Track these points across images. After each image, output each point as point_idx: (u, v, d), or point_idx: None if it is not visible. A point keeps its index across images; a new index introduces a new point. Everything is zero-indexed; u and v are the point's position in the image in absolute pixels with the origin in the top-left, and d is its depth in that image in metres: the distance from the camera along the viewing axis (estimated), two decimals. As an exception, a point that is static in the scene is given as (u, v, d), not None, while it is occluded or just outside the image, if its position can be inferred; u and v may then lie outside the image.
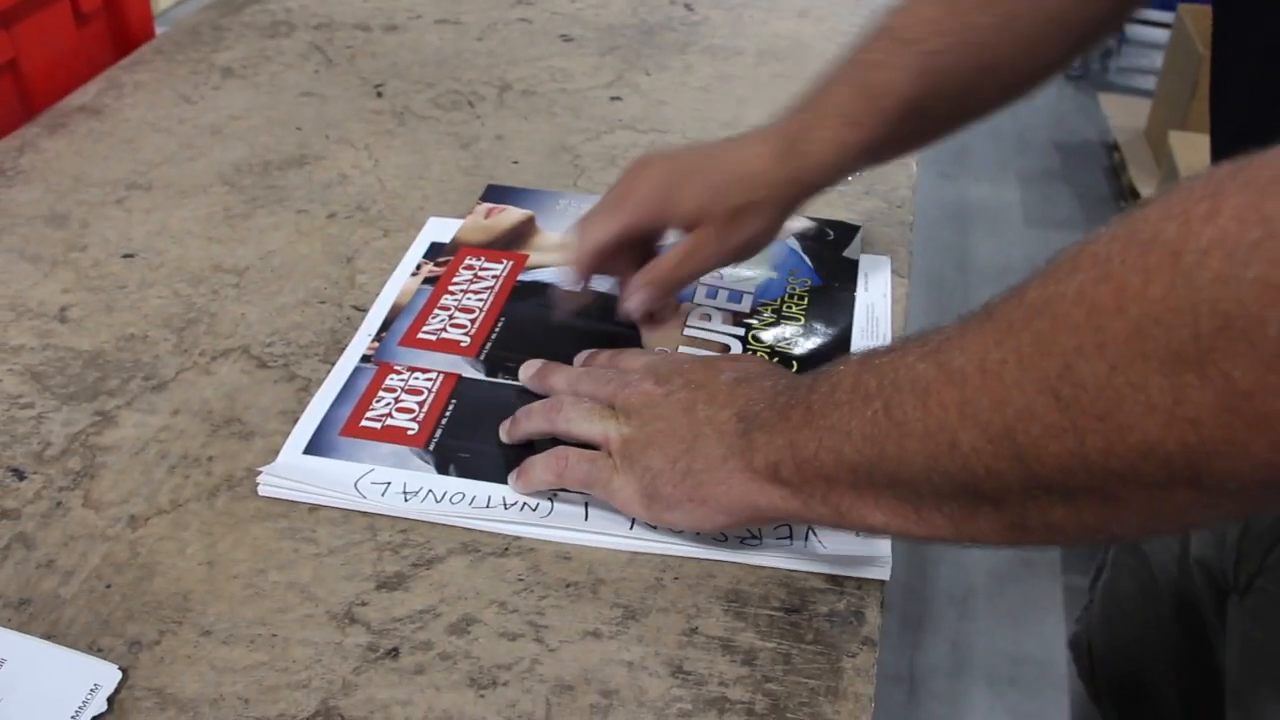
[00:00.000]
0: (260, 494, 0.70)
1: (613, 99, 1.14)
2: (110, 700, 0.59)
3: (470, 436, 0.72)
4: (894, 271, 0.89)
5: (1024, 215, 2.90)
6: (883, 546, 0.64)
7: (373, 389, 0.76)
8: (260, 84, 1.18)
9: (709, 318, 0.82)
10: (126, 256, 0.91)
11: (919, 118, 0.75)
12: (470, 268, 0.87)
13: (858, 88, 0.75)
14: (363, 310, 0.84)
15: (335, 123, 1.10)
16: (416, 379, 0.77)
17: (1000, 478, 0.45)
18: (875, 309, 0.84)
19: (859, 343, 0.81)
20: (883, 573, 0.64)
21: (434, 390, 0.76)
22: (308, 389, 0.77)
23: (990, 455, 0.44)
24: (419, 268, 0.88)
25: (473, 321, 0.81)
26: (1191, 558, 0.84)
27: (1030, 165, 3.12)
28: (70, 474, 0.72)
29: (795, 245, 0.90)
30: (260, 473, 0.70)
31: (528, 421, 0.69)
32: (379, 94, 1.15)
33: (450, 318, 0.82)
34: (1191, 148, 2.11)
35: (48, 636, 0.62)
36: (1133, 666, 0.97)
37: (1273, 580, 0.74)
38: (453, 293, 0.84)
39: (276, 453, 0.72)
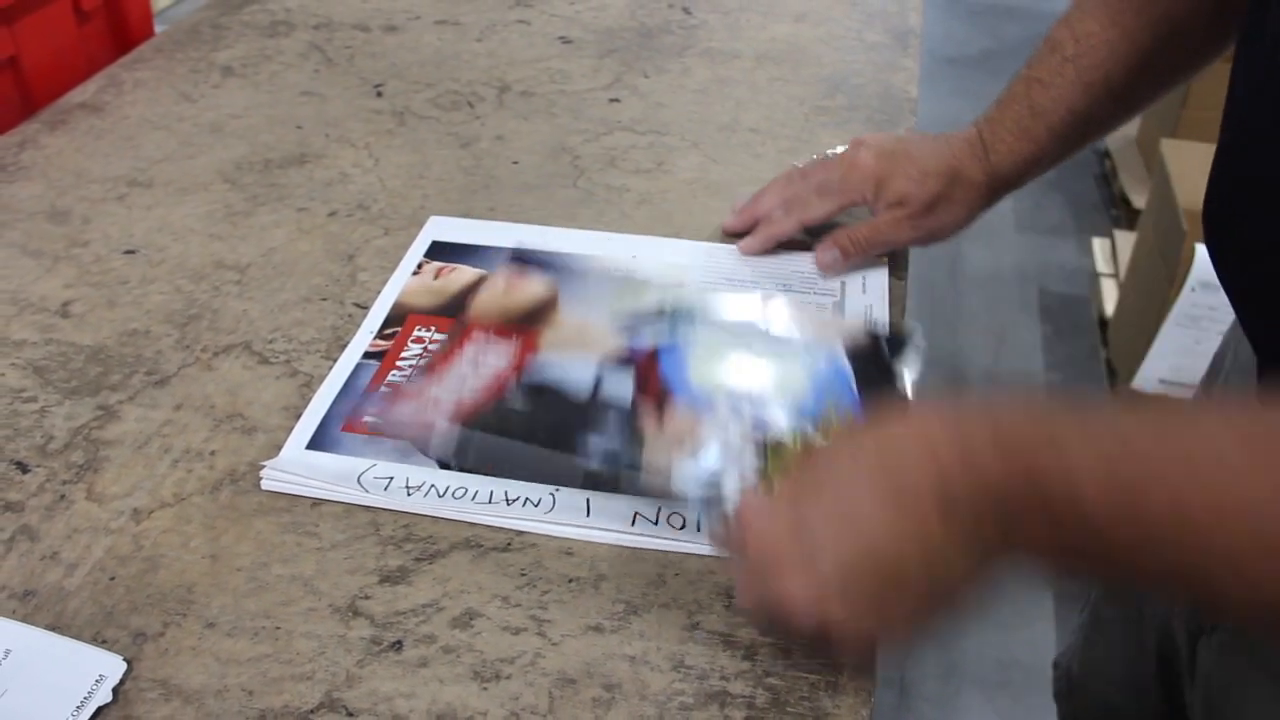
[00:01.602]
0: (264, 488, 0.70)
1: (611, 101, 1.14)
2: (115, 691, 0.59)
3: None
4: (892, 276, 0.89)
5: (1015, 222, 2.92)
6: None
7: (375, 385, 0.77)
8: (260, 83, 1.18)
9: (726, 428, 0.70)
10: (128, 253, 0.92)
11: (1084, 124, 0.84)
12: (420, 339, 0.80)
13: (1028, 107, 0.84)
14: (364, 307, 0.85)
15: (335, 122, 1.10)
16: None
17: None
18: (874, 310, 0.85)
19: None
20: None
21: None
22: (310, 385, 0.78)
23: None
24: (420, 267, 0.88)
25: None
26: (1177, 612, 0.82)
27: (1022, 172, 3.14)
28: (73, 467, 0.72)
29: (844, 362, 0.76)
30: (264, 467, 0.71)
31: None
32: (379, 94, 1.16)
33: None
34: (1183, 155, 2.12)
35: (52, 628, 0.62)
36: (1109, 694, 0.96)
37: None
38: (400, 369, 0.78)
39: (279, 448, 0.73)
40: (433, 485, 0.69)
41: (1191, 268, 1.89)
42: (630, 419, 0.71)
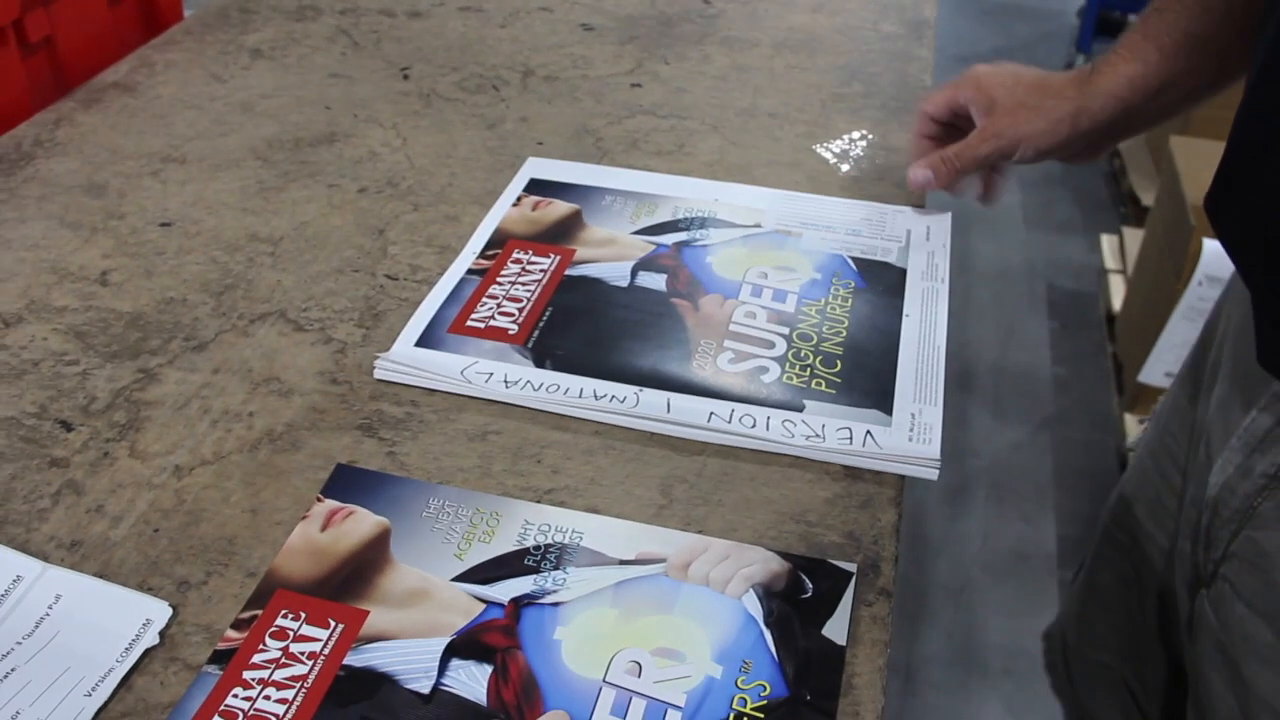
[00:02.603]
0: (376, 378, 0.78)
1: (633, 86, 1.17)
2: (161, 634, 0.62)
3: (565, 336, 0.80)
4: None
5: (1024, 218, 2.94)
6: (932, 449, 0.72)
7: (477, 295, 0.85)
8: (289, 65, 1.21)
9: (754, 315, 0.83)
10: (164, 225, 0.94)
11: (1200, 52, 0.81)
12: (518, 261, 0.89)
13: (1142, 30, 0.83)
14: (395, 279, 0.87)
15: (363, 103, 1.13)
16: (517, 289, 0.85)
17: None
18: (935, 256, 0.90)
19: (907, 336, 0.82)
20: (931, 473, 0.71)
21: (533, 299, 0.84)
22: (344, 351, 0.80)
23: None
24: (519, 200, 0.96)
25: (520, 310, 0.83)
26: (1176, 550, 0.85)
27: (1030, 170, 3.16)
28: (116, 426, 0.75)
29: (843, 254, 0.90)
30: (378, 358, 0.78)
31: None
32: (405, 76, 1.18)
33: (498, 306, 0.84)
34: (1192, 152, 2.14)
35: (99, 576, 0.65)
36: (1106, 657, 0.98)
37: (1234, 568, 0.74)
38: (501, 283, 0.86)
39: (316, 410, 0.75)
40: (528, 381, 0.76)
41: (1199, 263, 1.92)
42: (667, 305, 0.83)
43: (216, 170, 1.02)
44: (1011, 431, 2.31)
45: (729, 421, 0.73)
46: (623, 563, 0.64)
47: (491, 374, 0.77)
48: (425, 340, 0.80)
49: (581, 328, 0.81)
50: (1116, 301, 2.50)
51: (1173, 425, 0.89)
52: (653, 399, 0.75)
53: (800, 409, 0.75)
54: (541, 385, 0.76)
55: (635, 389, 0.76)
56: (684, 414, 0.74)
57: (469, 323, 0.82)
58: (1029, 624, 1.91)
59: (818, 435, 0.73)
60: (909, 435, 0.73)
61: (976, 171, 0.91)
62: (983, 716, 1.80)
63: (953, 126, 0.93)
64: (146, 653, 0.60)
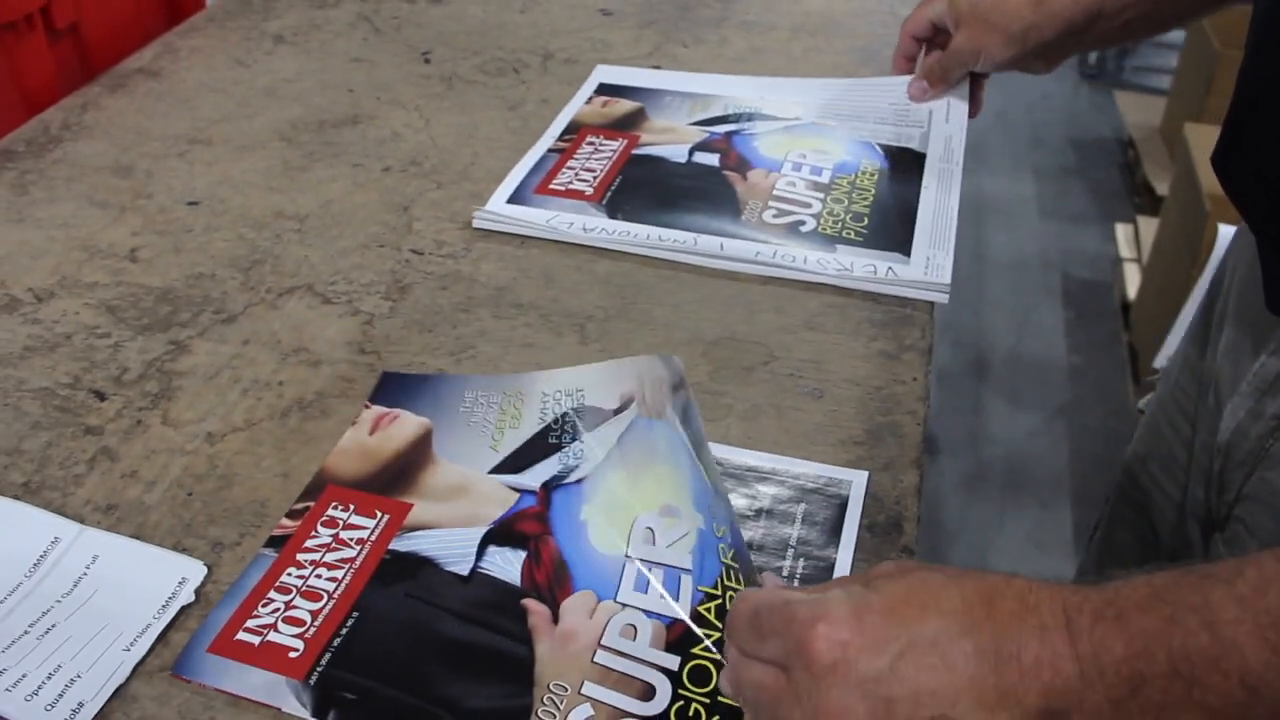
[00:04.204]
0: (475, 227, 0.91)
1: (654, 68, 1.18)
2: (197, 592, 0.63)
3: (633, 197, 0.94)
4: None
5: (1039, 209, 2.94)
6: (943, 278, 0.85)
7: (558, 166, 0.99)
8: (311, 50, 1.22)
9: (794, 184, 0.96)
10: (191, 204, 0.96)
11: None
12: (591, 143, 1.02)
13: None
14: (420, 253, 0.89)
15: (385, 86, 1.14)
16: (592, 163, 0.99)
17: None
18: (951, 141, 1.01)
19: (924, 203, 0.94)
20: (942, 297, 0.84)
21: (605, 169, 0.98)
22: (372, 323, 0.82)
23: None
24: (590, 99, 1.10)
25: (595, 177, 0.97)
26: (1189, 497, 0.87)
27: (1045, 161, 3.16)
28: (148, 396, 0.76)
29: (872, 140, 1.03)
30: (475, 213, 0.91)
31: None
32: (426, 60, 1.19)
33: (576, 175, 0.97)
34: (1207, 139, 2.14)
35: (135, 538, 0.66)
36: None
37: (1248, 509, 0.76)
38: (577, 158, 1.00)
39: (345, 379, 0.77)
40: (603, 228, 0.90)
41: (1214, 248, 1.92)
42: (720, 176, 0.97)
43: (242, 151, 1.03)
44: (1027, 420, 2.31)
45: (773, 257, 0.87)
46: (615, 412, 0.72)
47: (572, 222, 0.90)
48: (515, 199, 0.94)
49: (647, 192, 0.95)
50: (1131, 290, 2.50)
51: (1182, 379, 0.90)
52: (709, 241, 0.89)
53: (833, 251, 0.88)
54: (616, 232, 0.89)
55: (694, 234, 0.89)
56: (736, 250, 0.88)
57: (553, 186, 0.96)
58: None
59: (847, 269, 0.86)
60: (924, 271, 0.86)
61: (957, 79, 1.04)
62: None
63: (932, 43, 1.05)
64: (182, 610, 0.62)
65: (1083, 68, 3.59)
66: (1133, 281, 2.52)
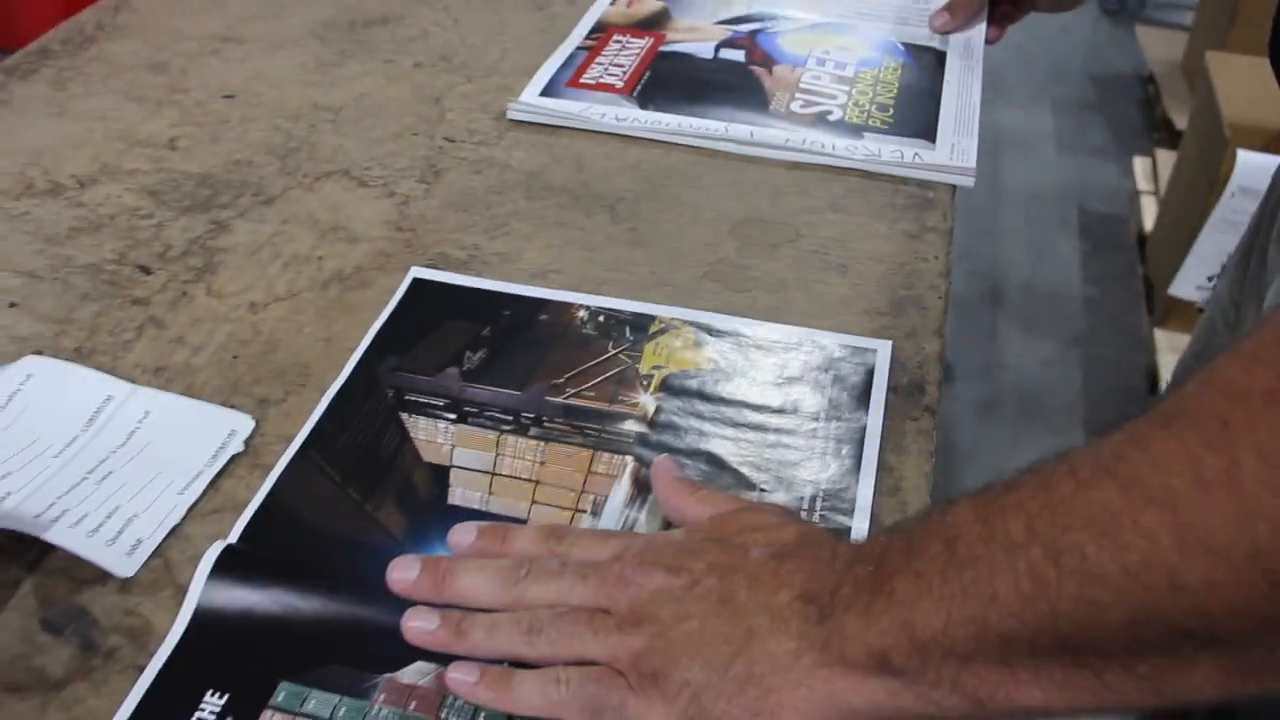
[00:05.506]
0: (509, 119, 0.94)
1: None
2: (246, 442, 0.66)
3: (663, 90, 0.97)
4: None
5: (1056, 143, 2.94)
6: (969, 162, 0.88)
7: (587, 61, 1.01)
8: (339, -44, 1.23)
9: (819, 78, 1.00)
10: (227, 97, 0.98)
11: None
12: (619, 42, 1.05)
13: None
14: (453, 141, 0.91)
15: (414, -11, 1.16)
16: (620, 59, 1.02)
17: (1245, 613, 0.36)
18: (971, 40, 1.05)
19: (947, 95, 0.97)
20: (968, 180, 0.88)
21: (633, 65, 1.01)
22: (407, 204, 0.84)
23: (1232, 586, 0.36)
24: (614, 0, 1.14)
25: (624, 72, 1.00)
26: None
27: (1064, 95, 3.16)
28: (192, 270, 0.78)
29: (894, 39, 1.06)
30: (509, 105, 0.94)
31: (490, 640, 0.52)
32: (453, -34, 1.21)
33: (605, 70, 1.00)
34: (1229, 68, 2.14)
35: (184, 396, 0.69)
36: None
37: None
38: (605, 55, 1.03)
39: (383, 254, 0.79)
40: (635, 118, 0.93)
41: (1233, 174, 1.92)
42: (746, 70, 1.01)
43: (275, 49, 1.05)
44: (1042, 348, 2.33)
45: (802, 144, 0.90)
46: None
47: (605, 113, 0.93)
48: (547, 93, 0.96)
49: (676, 86, 0.98)
50: (1148, 223, 2.50)
51: (1224, 304, 0.92)
52: (739, 129, 0.91)
53: (860, 138, 0.91)
54: (648, 121, 0.92)
55: (724, 123, 0.92)
56: (765, 137, 0.90)
57: (583, 80, 0.98)
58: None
59: (875, 154, 0.89)
60: (950, 155, 0.89)
61: (979, 15, 1.06)
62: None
63: None
64: (233, 459, 0.64)
65: (1104, 3, 3.57)
66: (1149, 214, 2.52)
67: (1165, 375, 2.09)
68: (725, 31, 1.07)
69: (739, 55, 1.03)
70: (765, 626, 0.47)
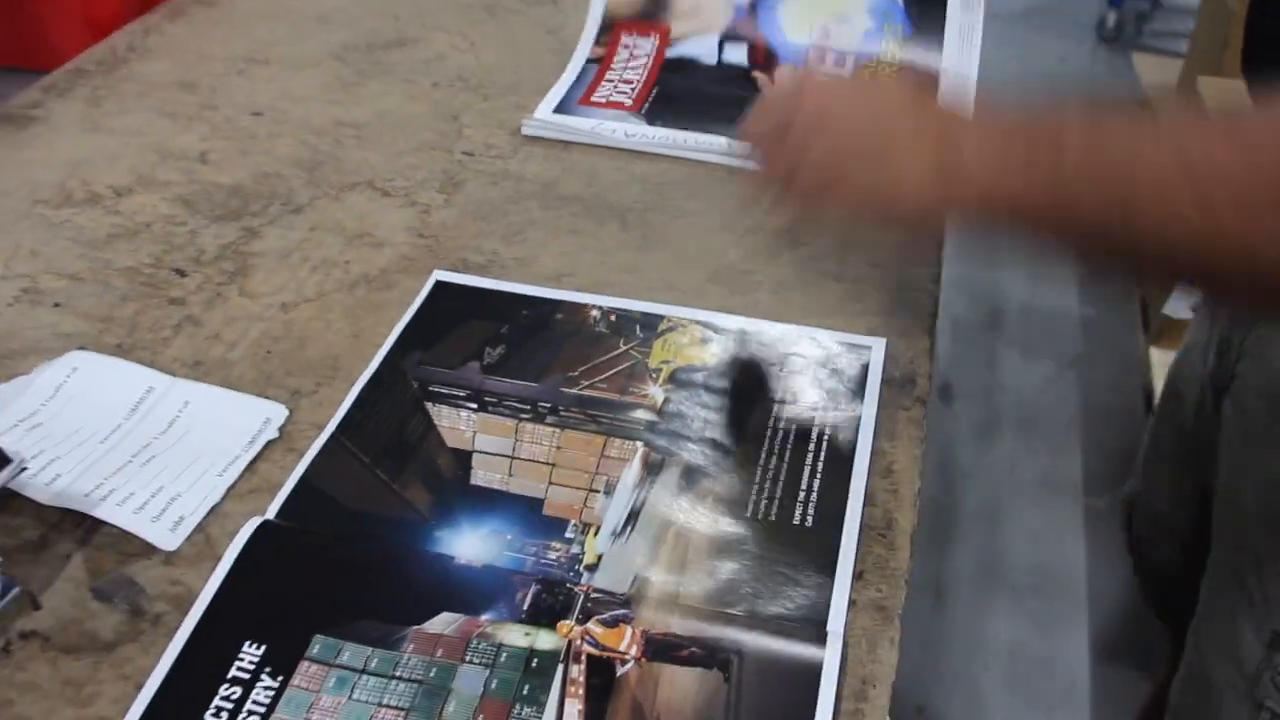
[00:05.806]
0: (524, 134, 0.98)
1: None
2: (280, 430, 0.70)
3: (669, 107, 1.01)
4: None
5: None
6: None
7: (597, 79, 1.05)
8: (358, -17, 1.28)
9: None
10: (255, 114, 1.03)
11: None
12: (627, 46, 1.08)
13: None
14: (471, 154, 0.96)
15: (430, 13, 1.21)
16: (628, 73, 1.05)
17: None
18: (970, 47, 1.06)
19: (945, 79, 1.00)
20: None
21: (641, 80, 1.04)
22: (429, 212, 0.89)
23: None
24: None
25: (632, 89, 1.03)
26: (1206, 371, 0.92)
27: (1062, 124, 3.20)
28: (225, 273, 0.83)
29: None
30: (524, 121, 0.99)
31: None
32: (468, -8, 1.26)
33: (615, 87, 1.04)
34: (1221, 92, 2.19)
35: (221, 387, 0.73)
36: (1158, 506, 1.07)
37: (1249, 365, 0.81)
38: (614, 68, 1.06)
39: (406, 258, 0.84)
40: (643, 134, 0.98)
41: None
42: (749, 80, 1.04)
43: (299, 70, 1.10)
44: (1040, 369, 2.37)
45: None
46: None
47: (615, 129, 0.98)
48: (561, 109, 1.01)
49: (682, 101, 1.02)
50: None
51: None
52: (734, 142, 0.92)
53: None
54: (655, 137, 0.97)
55: (728, 138, 0.94)
56: None
57: (594, 99, 1.02)
58: (1055, 548, 1.98)
59: None
60: None
61: None
62: (1008, 631, 1.87)
63: None
64: (268, 444, 0.69)
65: (1101, 31, 3.63)
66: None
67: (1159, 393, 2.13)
68: (728, 11, 1.09)
69: (742, 53, 1.06)
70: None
